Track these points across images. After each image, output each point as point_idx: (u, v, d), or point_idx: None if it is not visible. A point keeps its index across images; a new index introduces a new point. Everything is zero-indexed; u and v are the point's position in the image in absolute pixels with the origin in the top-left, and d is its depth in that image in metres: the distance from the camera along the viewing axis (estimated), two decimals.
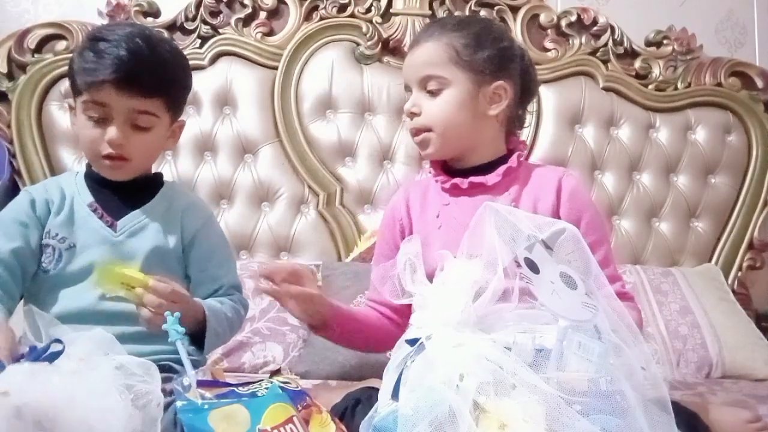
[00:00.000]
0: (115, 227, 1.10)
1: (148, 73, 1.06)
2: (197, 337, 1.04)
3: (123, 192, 1.12)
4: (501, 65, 1.13)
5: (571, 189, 1.12)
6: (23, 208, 1.10)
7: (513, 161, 1.14)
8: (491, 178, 1.13)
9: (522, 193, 1.13)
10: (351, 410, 0.97)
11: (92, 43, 1.07)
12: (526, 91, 1.20)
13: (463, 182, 1.13)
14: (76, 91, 1.09)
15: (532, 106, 1.27)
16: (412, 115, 1.14)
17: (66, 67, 1.90)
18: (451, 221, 1.13)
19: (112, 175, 1.11)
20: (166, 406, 0.89)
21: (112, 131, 1.05)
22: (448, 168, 1.18)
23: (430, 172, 1.21)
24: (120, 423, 0.75)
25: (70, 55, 1.94)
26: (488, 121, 1.14)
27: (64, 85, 1.95)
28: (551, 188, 1.12)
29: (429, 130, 1.13)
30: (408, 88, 1.17)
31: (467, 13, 2.09)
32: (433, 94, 1.12)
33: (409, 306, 1.26)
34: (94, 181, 1.13)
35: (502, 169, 1.13)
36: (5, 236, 1.07)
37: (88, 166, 1.15)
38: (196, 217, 1.17)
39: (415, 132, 1.15)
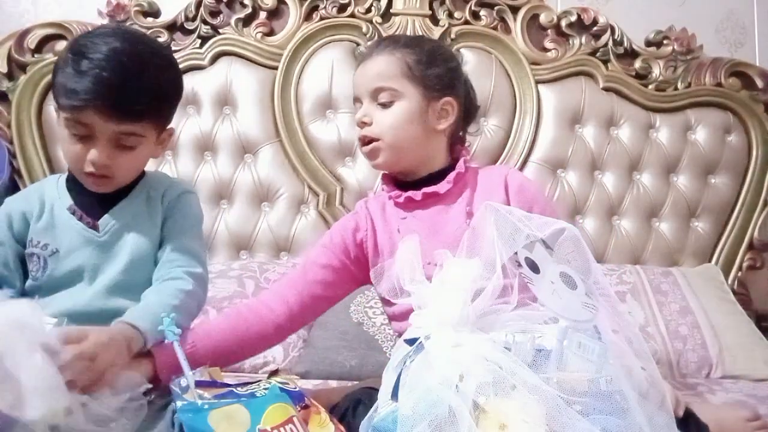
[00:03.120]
0: (97, 228, 1.08)
1: (135, 99, 1.00)
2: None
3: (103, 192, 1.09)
4: (449, 83, 1.18)
5: (518, 184, 1.15)
6: (0, 225, 1.09)
7: (461, 167, 1.17)
8: (443, 186, 1.14)
9: (474, 197, 1.15)
10: (351, 410, 0.98)
11: (75, 58, 1.00)
12: (468, 113, 1.24)
13: (417, 194, 1.15)
14: (58, 103, 1.03)
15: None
16: (363, 124, 1.16)
17: None
18: (411, 234, 1.12)
19: (95, 189, 1.08)
20: (164, 406, 0.89)
21: (94, 153, 1.00)
22: (398, 183, 1.20)
23: (383, 189, 1.22)
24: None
25: None
26: (436, 135, 1.17)
27: None
28: (499, 186, 1.15)
29: (378, 139, 1.14)
30: (358, 100, 1.19)
31: (467, 13, 2.10)
32: (384, 106, 1.15)
33: (316, 301, 1.18)
34: (75, 183, 1.11)
35: (452, 175, 1.15)
36: None
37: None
38: (172, 192, 1.13)
39: (365, 141, 1.16)
